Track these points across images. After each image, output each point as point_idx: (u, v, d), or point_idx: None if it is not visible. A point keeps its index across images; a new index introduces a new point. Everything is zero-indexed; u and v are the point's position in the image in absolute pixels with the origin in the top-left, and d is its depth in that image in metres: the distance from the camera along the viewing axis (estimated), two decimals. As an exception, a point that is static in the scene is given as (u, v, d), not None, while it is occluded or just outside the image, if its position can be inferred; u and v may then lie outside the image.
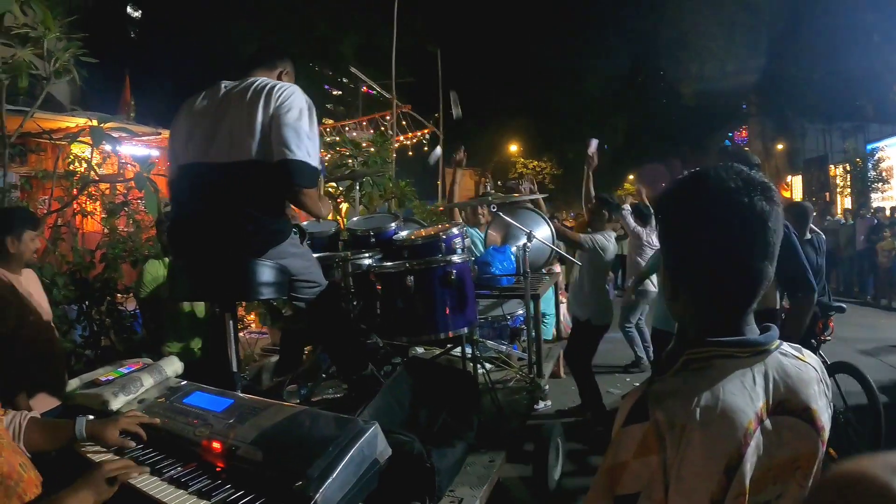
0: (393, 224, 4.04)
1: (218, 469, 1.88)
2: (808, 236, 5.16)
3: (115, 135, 4.83)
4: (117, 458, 2.00)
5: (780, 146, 32.87)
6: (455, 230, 3.66)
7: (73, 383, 2.72)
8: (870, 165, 24.47)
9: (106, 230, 5.81)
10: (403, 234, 3.94)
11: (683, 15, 28.62)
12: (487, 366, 3.96)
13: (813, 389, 1.21)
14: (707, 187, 1.18)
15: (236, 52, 21.89)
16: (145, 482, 1.84)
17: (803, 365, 1.23)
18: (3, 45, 4.48)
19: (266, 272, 2.73)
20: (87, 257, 5.37)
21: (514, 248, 4.46)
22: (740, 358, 1.15)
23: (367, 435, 1.82)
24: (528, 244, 4.02)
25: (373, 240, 3.90)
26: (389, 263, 3.39)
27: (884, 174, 23.86)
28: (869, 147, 25.70)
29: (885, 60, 24.99)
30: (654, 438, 1.07)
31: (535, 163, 32.18)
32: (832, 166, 27.36)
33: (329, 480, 1.66)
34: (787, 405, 1.16)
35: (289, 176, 2.67)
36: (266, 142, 2.70)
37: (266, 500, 1.69)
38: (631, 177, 34.63)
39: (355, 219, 4.39)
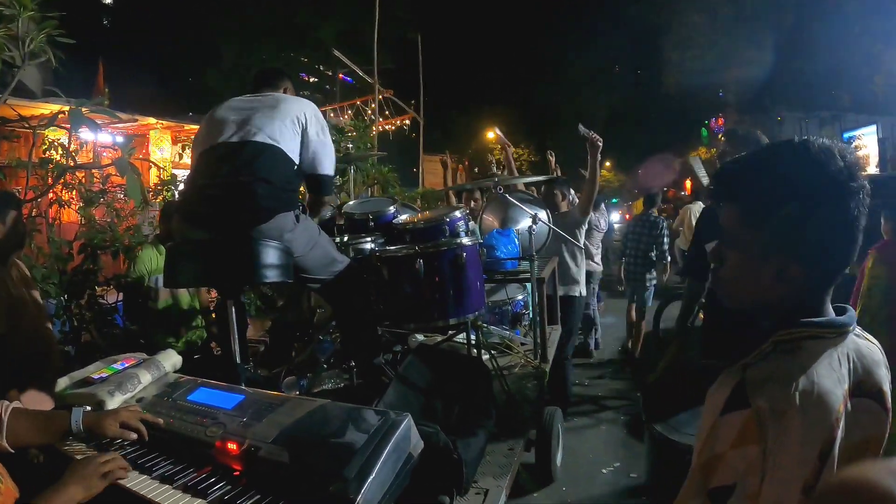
0: (392, 207, 3.89)
1: (236, 473, 1.69)
2: None
3: (96, 119, 4.60)
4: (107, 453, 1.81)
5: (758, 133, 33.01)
6: (458, 213, 3.53)
7: (62, 382, 2.50)
8: (847, 154, 24.64)
9: (83, 220, 5.56)
10: (403, 217, 3.79)
11: (665, 4, 28.66)
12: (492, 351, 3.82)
13: (882, 371, 1.18)
14: (811, 160, 1.13)
15: (213, 42, 21.61)
16: (156, 492, 1.65)
17: (873, 346, 1.20)
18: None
19: (269, 253, 2.62)
20: (65, 248, 5.12)
21: (516, 231, 4.32)
22: (827, 339, 1.11)
23: (401, 428, 1.66)
24: (534, 227, 3.86)
25: (371, 223, 3.74)
26: (396, 247, 3.23)
27: (860, 163, 24.02)
28: (846, 136, 25.90)
29: (862, 51, 25.19)
30: (755, 426, 1.02)
31: (513, 150, 32.09)
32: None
33: (369, 480, 1.50)
34: (863, 387, 1.12)
35: (319, 188, 3.21)
36: (289, 138, 2.93)
37: (298, 505, 1.52)
38: (608, 164, 34.69)
39: (351, 202, 4.24)
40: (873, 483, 0.63)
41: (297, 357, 3.89)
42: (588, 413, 5.98)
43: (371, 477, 1.51)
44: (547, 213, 4.73)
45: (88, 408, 2.10)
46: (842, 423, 1.03)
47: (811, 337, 1.11)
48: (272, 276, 2.65)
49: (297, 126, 2.97)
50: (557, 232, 4.67)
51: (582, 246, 5.57)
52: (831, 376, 1.05)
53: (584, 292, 5.72)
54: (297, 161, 2.95)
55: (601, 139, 4.81)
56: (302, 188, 3.30)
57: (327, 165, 3.09)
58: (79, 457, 1.88)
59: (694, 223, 10.10)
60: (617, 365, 7.76)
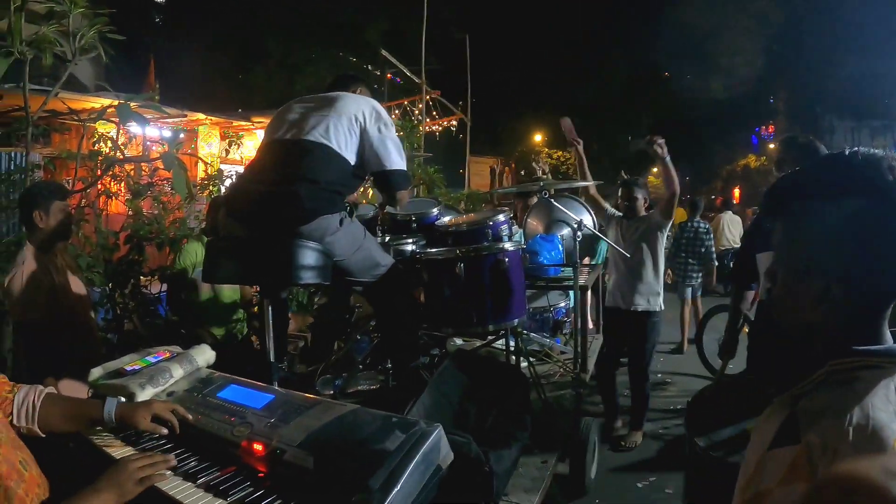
0: (435, 209, 3.85)
1: (259, 475, 1.65)
2: None
3: (145, 114, 4.66)
4: (139, 453, 1.78)
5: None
6: (501, 217, 3.47)
7: (96, 372, 2.48)
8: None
9: (130, 212, 5.65)
10: (446, 219, 3.74)
11: (714, 8, 28.17)
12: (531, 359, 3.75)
13: None
14: (855, 172, 1.04)
15: (260, 40, 21.89)
16: (177, 489, 1.61)
17: None
18: (26, 24, 4.31)
19: (308, 255, 2.58)
20: (112, 239, 5.21)
21: (560, 237, 4.24)
22: (884, 368, 1.02)
23: (431, 439, 1.59)
24: (580, 233, 3.77)
25: (414, 225, 3.71)
26: (437, 249, 3.18)
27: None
28: (899, 146, 25.21)
29: (917, 59, 24.45)
30: (805, 463, 0.94)
31: (559, 153, 31.81)
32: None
33: (394, 492, 1.44)
34: None
35: (388, 184, 3.00)
36: (344, 137, 2.86)
37: (319, 513, 1.47)
38: (655, 169, 34.08)
39: None
40: (868, 480, 0.63)
41: (333, 356, 3.86)
42: (624, 426, 5.82)
43: (396, 489, 1.45)
44: (592, 218, 4.62)
45: (123, 399, 2.09)
46: None
47: (867, 367, 1.03)
48: (308, 277, 2.63)
49: (355, 125, 2.90)
50: (609, 243, 4.54)
51: (662, 251, 5.07)
52: (887, 409, 0.97)
53: (662, 306, 5.12)
54: (352, 160, 2.90)
55: (661, 138, 4.61)
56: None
57: (395, 160, 2.97)
58: (114, 452, 1.86)
59: (726, 231, 11.82)
60: (657, 375, 7.58)
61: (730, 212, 12.37)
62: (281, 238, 2.62)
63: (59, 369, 3.33)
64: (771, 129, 37.54)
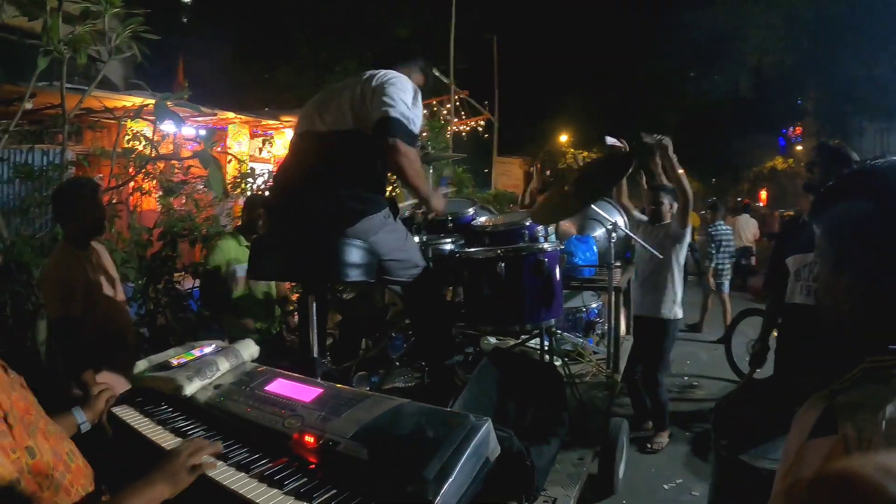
0: (471, 209, 3.87)
1: (311, 467, 1.67)
2: None
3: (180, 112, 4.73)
4: (191, 441, 1.79)
5: (836, 142, 31.84)
6: None
7: (142, 365, 2.52)
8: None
9: (162, 209, 5.72)
10: (482, 219, 3.76)
11: (742, 6, 27.85)
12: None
13: None
14: (884, 176, 1.16)
15: (287, 39, 21.99)
16: (232, 479, 1.64)
17: None
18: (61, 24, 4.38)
19: (353, 252, 2.58)
20: (145, 235, 5.28)
21: (595, 238, 4.25)
22: None
23: (481, 432, 1.61)
24: (615, 235, 3.77)
25: (450, 224, 3.73)
26: (478, 249, 3.20)
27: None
28: (930, 148, 24.80)
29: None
30: (842, 453, 0.98)
31: (585, 154, 31.68)
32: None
33: (448, 483, 1.45)
34: None
35: (386, 130, 2.65)
36: (364, 112, 2.72)
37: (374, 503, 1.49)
38: (680, 171, 33.74)
39: None
40: (864, 477, 0.63)
41: (368, 352, 3.89)
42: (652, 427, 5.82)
43: (450, 480, 1.47)
44: (624, 220, 4.62)
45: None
46: None
47: None
48: (355, 275, 2.63)
49: (369, 87, 2.76)
50: (640, 243, 4.50)
51: (681, 263, 5.02)
52: None
53: (679, 314, 5.11)
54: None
55: (667, 137, 4.57)
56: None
57: (399, 109, 2.68)
58: (163, 443, 1.90)
59: (741, 232, 13.27)
60: (684, 378, 7.55)
61: (746, 214, 13.75)
62: (328, 236, 2.62)
63: (97, 363, 3.38)
64: (798, 130, 37.09)
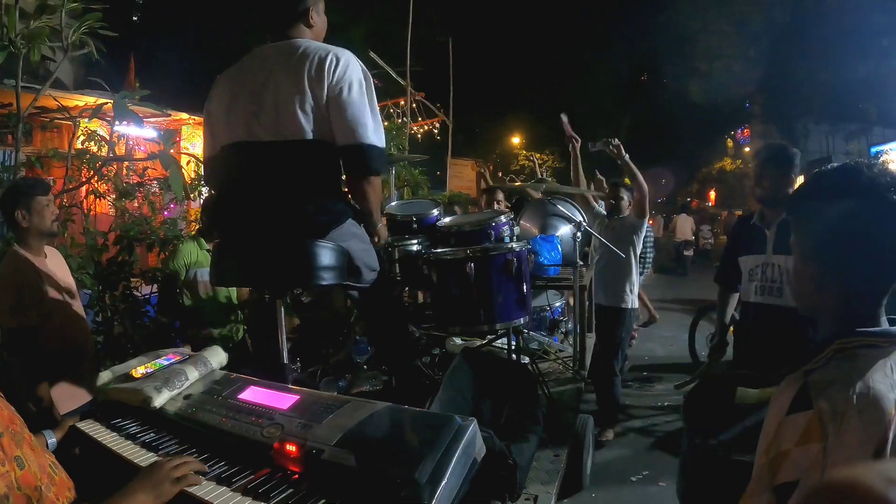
0: (435, 210, 3.84)
1: (295, 477, 1.62)
2: None
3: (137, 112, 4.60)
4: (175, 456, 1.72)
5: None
6: (503, 217, 3.49)
7: (105, 376, 2.39)
8: (875, 169, 24.34)
9: (113, 212, 5.56)
10: (447, 220, 3.74)
11: (692, 13, 28.37)
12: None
13: None
14: (864, 182, 1.24)
15: (240, 39, 21.69)
16: (214, 494, 1.58)
17: None
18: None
19: (328, 255, 2.45)
20: (100, 239, 5.12)
21: (559, 236, 4.29)
22: (882, 348, 1.20)
23: (468, 433, 1.60)
24: (579, 233, 3.81)
25: (415, 225, 3.70)
26: (446, 249, 3.18)
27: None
28: (873, 150, 25.61)
29: (890, 64, 24.80)
30: (818, 426, 1.10)
31: (538, 155, 31.96)
32: (832, 167, 27.19)
33: (441, 486, 1.44)
34: None
35: (363, 161, 2.48)
36: (323, 120, 2.46)
37: (366, 511, 1.45)
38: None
39: (393, 203, 4.18)
40: (866, 486, 0.63)
41: (332, 357, 3.84)
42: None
43: (443, 482, 1.45)
44: (584, 218, 4.66)
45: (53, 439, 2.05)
46: (893, 426, 1.09)
47: (867, 346, 1.21)
48: (329, 278, 2.48)
49: (322, 89, 2.43)
50: (599, 238, 4.59)
51: (637, 252, 5.27)
52: (885, 381, 1.12)
53: (635, 304, 5.38)
54: (335, 141, 2.51)
55: (615, 140, 4.68)
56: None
57: (370, 133, 2.47)
58: (138, 460, 1.83)
59: (679, 229, 17.05)
60: (643, 373, 7.68)
61: (684, 213, 18.06)
62: (299, 239, 2.46)
63: (53, 375, 3.26)
64: (747, 132, 37.95)
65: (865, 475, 0.65)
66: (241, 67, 2.68)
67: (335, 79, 2.45)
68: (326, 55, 2.48)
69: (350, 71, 2.49)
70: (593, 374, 5.09)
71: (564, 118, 4.84)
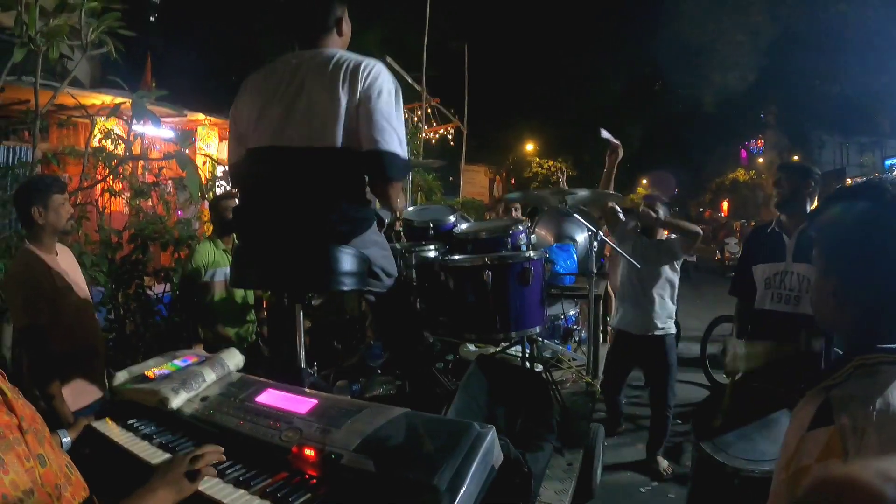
0: (452, 217, 3.84)
1: (313, 482, 1.61)
2: None
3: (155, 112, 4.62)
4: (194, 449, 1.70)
5: (795, 158, 32.64)
6: (520, 226, 3.50)
7: (122, 376, 2.38)
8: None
9: (127, 210, 5.58)
10: (464, 226, 3.74)
11: (707, 23, 28.34)
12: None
13: None
14: (888, 198, 1.24)
15: (255, 41, 21.77)
16: (233, 497, 1.58)
17: None
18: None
19: (349, 261, 2.44)
20: (114, 237, 5.14)
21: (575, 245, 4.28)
22: None
23: (487, 440, 1.58)
24: (595, 243, 3.80)
25: (431, 232, 3.69)
26: (464, 256, 3.17)
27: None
28: (887, 163, 25.52)
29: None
30: (839, 442, 1.08)
31: (551, 163, 31.92)
32: (849, 180, 27.17)
33: (461, 493, 1.43)
34: None
35: (382, 168, 2.47)
36: (352, 128, 2.47)
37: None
38: (644, 181, 34.33)
39: (410, 209, 4.18)
40: (863, 483, 0.64)
41: (346, 361, 3.84)
42: (626, 431, 5.90)
43: (463, 490, 1.44)
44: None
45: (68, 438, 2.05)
46: None
47: (888, 362, 1.18)
48: (350, 283, 2.48)
49: (354, 95, 2.46)
50: (624, 255, 4.39)
51: (676, 278, 4.92)
52: None
53: (673, 329, 4.94)
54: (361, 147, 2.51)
55: (622, 147, 4.54)
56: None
57: (394, 142, 2.48)
58: (152, 460, 1.83)
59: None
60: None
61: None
62: (321, 245, 2.45)
63: (64, 374, 3.25)
64: (760, 143, 37.90)
65: (862, 472, 0.66)
66: (271, 72, 2.68)
67: (367, 84, 2.47)
68: (360, 63, 2.51)
69: (382, 80, 2.52)
70: (607, 386, 4.99)
71: (605, 132, 4.68)
